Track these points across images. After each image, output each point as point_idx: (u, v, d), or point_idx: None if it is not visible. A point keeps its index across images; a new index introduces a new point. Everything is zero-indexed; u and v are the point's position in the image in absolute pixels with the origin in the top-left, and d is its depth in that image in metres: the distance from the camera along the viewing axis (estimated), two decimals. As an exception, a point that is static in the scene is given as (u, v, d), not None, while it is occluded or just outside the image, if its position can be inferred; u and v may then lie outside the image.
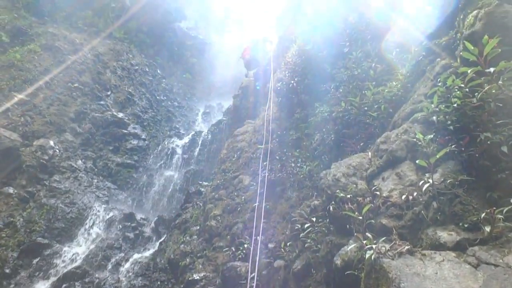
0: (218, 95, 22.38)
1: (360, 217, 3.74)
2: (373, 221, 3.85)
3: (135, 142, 15.63)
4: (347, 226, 4.18)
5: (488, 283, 2.52)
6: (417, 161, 3.58)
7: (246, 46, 15.47)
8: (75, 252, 10.33)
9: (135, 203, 13.53)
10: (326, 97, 7.75)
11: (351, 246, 3.73)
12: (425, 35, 5.76)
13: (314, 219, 4.94)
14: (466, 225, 3.09)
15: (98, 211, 11.56)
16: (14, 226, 10.27)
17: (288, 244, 5.77)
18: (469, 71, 3.62)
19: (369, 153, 4.65)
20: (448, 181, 3.34)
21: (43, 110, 13.53)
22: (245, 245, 7.26)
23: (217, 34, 26.55)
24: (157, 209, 13.26)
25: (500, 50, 3.42)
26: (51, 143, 12.90)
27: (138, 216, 12.05)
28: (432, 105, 3.90)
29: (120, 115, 15.93)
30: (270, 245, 6.46)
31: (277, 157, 8.20)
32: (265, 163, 8.39)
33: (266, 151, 8.79)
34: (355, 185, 4.18)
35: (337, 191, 4.20)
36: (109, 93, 16.48)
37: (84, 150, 13.94)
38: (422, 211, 3.42)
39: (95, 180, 13.26)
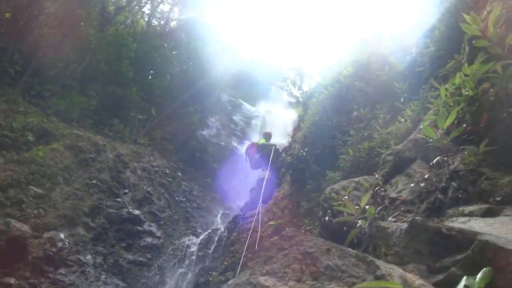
0: (238, 198, 21.99)
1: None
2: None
3: (149, 240, 15.05)
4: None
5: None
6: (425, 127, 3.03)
7: (253, 143, 15.38)
8: None
9: (143, 302, 12.46)
10: (336, 164, 7.36)
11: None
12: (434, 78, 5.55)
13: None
14: (499, 198, 2.45)
15: (101, 305, 10.61)
16: (8, 319, 9.42)
17: None
18: (477, 45, 3.26)
19: (376, 175, 4.11)
20: (469, 159, 2.77)
21: (58, 203, 13.38)
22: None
23: (237, 141, 27.20)
24: (167, 309, 12.12)
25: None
26: (61, 236, 12.48)
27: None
28: (441, 102, 3.48)
29: (136, 212, 15.62)
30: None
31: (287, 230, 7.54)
32: (275, 237, 7.70)
33: (276, 227, 8.21)
34: (357, 197, 3.58)
35: (334, 203, 3.60)
36: (126, 191, 16.40)
37: (95, 245, 13.38)
38: (439, 195, 2.80)
39: (103, 276, 12.47)
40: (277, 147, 13.52)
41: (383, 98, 7.07)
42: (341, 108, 8.07)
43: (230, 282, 2.14)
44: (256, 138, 27.47)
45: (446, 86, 3.71)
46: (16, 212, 12.20)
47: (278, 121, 27.79)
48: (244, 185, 22.75)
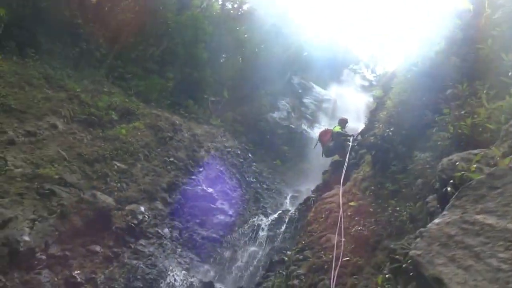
0: (307, 181, 21.94)
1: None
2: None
3: (222, 217, 15.49)
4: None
5: None
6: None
7: (326, 130, 14.73)
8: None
9: (216, 276, 12.90)
10: (427, 145, 6.98)
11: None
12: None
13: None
14: None
15: (178, 275, 11.15)
16: (95, 282, 10.19)
17: (385, 285, 4.80)
18: None
19: (493, 148, 3.83)
20: None
21: (139, 178, 14.17)
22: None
23: (308, 124, 27.02)
24: (238, 284, 12.47)
25: None
26: (142, 209, 13.20)
27: (218, 286, 11.37)
28: None
29: (210, 190, 16.12)
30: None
31: (371, 210, 7.40)
32: (356, 218, 7.65)
33: (357, 208, 8.08)
34: (480, 170, 3.38)
35: (456, 173, 3.45)
36: (201, 169, 16.98)
37: (171, 219, 14.04)
38: None
39: (179, 249, 13.07)
40: (355, 138, 12.99)
41: (483, 74, 6.50)
42: (432, 85, 7.59)
43: (437, 221, 2.09)
44: (327, 121, 27.11)
45: None
46: (102, 185, 13.05)
47: (350, 105, 27.13)
48: (313, 168, 22.66)
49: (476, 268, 1.73)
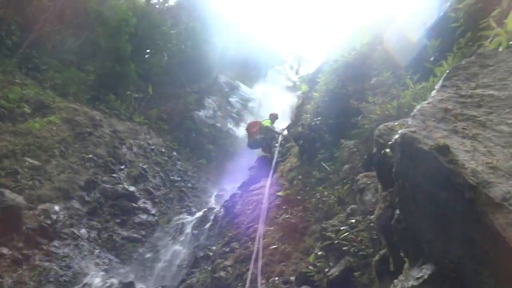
0: (232, 180, 22.00)
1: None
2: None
3: (144, 216, 15.00)
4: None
5: None
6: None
7: (255, 121, 15.03)
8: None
9: (137, 278, 12.46)
10: (353, 132, 7.24)
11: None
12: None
13: (352, 220, 4.34)
14: None
15: (95, 277, 10.60)
16: (1, 286, 9.36)
17: (317, 263, 4.97)
18: None
19: None
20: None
21: (53, 176, 13.24)
22: None
23: (234, 123, 27.12)
24: (161, 284, 12.16)
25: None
26: (56, 208, 12.35)
27: (139, 286, 10.98)
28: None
29: (132, 188, 15.53)
30: (292, 278, 5.71)
31: (299, 198, 7.59)
32: (284, 207, 7.80)
33: (285, 198, 8.26)
34: None
35: (393, 137, 3.60)
36: (122, 167, 16.31)
37: (90, 219, 13.30)
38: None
39: (97, 251, 12.42)
40: (283, 135, 13.41)
41: (407, 61, 6.92)
42: (358, 75, 7.90)
43: (428, 101, 1.97)
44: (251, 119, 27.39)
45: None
46: (11, 182, 12.01)
47: (275, 104, 27.64)
48: (238, 167, 22.76)
49: (485, 135, 1.68)
